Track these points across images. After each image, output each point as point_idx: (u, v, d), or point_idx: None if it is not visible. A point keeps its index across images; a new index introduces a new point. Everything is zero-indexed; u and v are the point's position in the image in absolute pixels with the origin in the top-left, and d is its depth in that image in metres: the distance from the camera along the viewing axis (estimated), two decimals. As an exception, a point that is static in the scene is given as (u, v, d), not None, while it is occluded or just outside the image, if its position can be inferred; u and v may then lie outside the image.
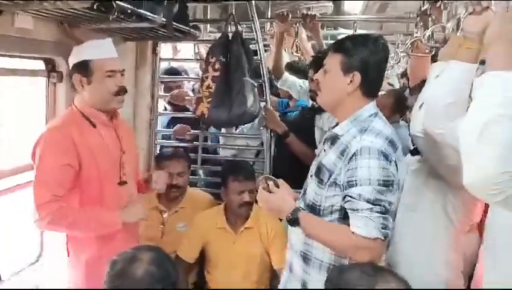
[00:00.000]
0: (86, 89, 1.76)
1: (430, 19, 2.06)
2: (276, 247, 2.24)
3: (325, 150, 1.56)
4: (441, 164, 1.56)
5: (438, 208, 1.63)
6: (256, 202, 1.66)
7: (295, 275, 1.63)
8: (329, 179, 1.47)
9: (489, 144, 0.98)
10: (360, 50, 1.47)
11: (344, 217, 1.44)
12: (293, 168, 2.37)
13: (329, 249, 1.50)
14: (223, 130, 2.92)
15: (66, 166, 1.67)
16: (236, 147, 2.87)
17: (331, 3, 2.91)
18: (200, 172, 2.88)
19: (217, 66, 2.44)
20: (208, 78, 2.45)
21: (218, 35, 2.64)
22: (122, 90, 1.80)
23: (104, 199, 1.79)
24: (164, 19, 1.96)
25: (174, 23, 2.12)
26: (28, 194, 1.69)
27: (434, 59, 1.86)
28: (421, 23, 2.25)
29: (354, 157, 1.40)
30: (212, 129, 2.92)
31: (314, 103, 2.50)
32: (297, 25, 2.92)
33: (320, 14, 2.88)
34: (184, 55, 3.75)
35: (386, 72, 3.40)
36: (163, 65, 3.03)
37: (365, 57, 1.46)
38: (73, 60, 1.79)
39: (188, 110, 2.83)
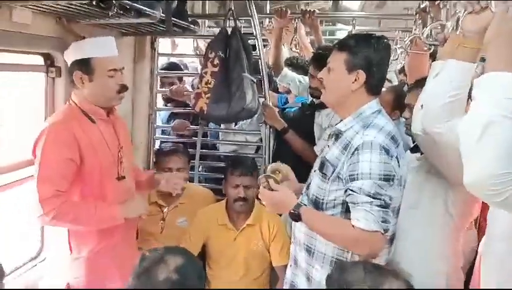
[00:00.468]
0: (86, 86, 1.76)
1: (428, 16, 2.07)
2: (276, 245, 2.25)
3: (329, 146, 1.60)
4: (440, 162, 1.57)
5: (439, 204, 1.64)
6: (259, 199, 1.67)
7: (300, 268, 1.66)
8: (332, 173, 1.50)
9: (489, 144, 0.99)
10: (364, 49, 1.50)
11: (346, 211, 1.48)
12: (292, 164, 2.36)
13: (331, 243, 1.53)
14: (222, 125, 2.92)
15: (68, 161, 1.68)
16: (236, 143, 2.87)
17: (329, 0, 2.91)
18: (199, 168, 2.87)
19: (216, 61, 2.44)
20: (207, 73, 2.45)
21: (217, 30, 2.64)
22: (123, 88, 1.82)
23: (103, 194, 1.80)
24: (163, 14, 1.95)
25: (173, 18, 2.12)
26: (28, 190, 1.69)
27: (433, 57, 1.87)
28: (420, 21, 2.25)
29: (356, 152, 1.43)
30: (211, 125, 2.91)
31: (314, 99, 2.51)
32: (296, 20, 2.92)
33: (318, 10, 2.88)
34: (183, 50, 3.74)
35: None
36: (162, 60, 3.02)
37: (369, 55, 1.50)
38: (73, 56, 1.78)
39: (187, 105, 2.82)
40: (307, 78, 2.68)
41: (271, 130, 2.62)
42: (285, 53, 3.29)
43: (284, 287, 1.78)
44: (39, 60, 2.01)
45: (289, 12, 2.70)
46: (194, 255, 1.36)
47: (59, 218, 1.65)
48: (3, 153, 1.95)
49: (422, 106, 1.52)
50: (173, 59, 3.26)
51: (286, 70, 2.89)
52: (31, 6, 1.63)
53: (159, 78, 2.90)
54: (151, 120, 2.80)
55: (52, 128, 1.69)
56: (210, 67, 2.44)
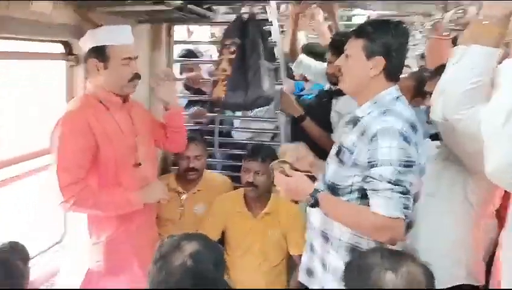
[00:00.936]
0: (101, 74, 1.78)
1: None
2: (294, 234, 2.25)
3: (346, 133, 1.59)
4: (460, 150, 1.54)
5: (458, 193, 1.63)
6: (275, 185, 1.66)
7: (316, 254, 1.67)
8: (349, 159, 1.49)
9: None
10: (382, 35, 1.49)
11: (362, 197, 1.47)
12: (308, 152, 2.37)
13: (347, 228, 1.53)
14: (239, 113, 2.91)
15: (84, 149, 1.72)
16: (252, 130, 2.86)
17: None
18: (217, 155, 2.88)
19: (232, 48, 2.42)
20: (223, 60, 2.43)
21: (233, 16, 2.62)
22: (136, 77, 1.83)
23: (120, 181, 1.83)
24: (180, 1, 1.95)
25: (189, 5, 2.11)
26: (49, 176, 1.72)
27: (454, 43, 1.83)
28: (441, 5, 2.20)
29: (374, 138, 1.42)
30: (228, 112, 2.91)
31: (332, 86, 2.48)
32: (314, 6, 2.87)
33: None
34: (198, 37, 3.73)
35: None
36: (177, 48, 3.01)
37: (388, 41, 1.48)
38: (89, 44, 1.80)
39: (204, 93, 2.82)
40: (324, 64, 2.64)
41: (288, 117, 2.61)
42: (302, 39, 3.25)
43: (300, 273, 1.79)
44: (59, 48, 2.04)
45: (306, -3, 2.66)
46: (211, 241, 1.35)
47: (79, 204, 1.70)
48: (29, 139, 2.00)
49: (441, 92, 1.50)
50: (189, 46, 3.25)
51: (302, 57, 2.85)
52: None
53: (177, 65, 2.89)
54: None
55: (67, 118, 1.73)
56: (226, 54, 2.43)
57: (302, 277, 1.77)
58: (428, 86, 1.83)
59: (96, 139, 1.74)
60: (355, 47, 1.53)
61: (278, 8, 3.22)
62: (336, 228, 1.56)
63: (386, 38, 1.48)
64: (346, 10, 4.11)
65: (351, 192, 1.51)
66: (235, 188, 2.50)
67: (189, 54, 3.09)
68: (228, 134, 3.00)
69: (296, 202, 2.25)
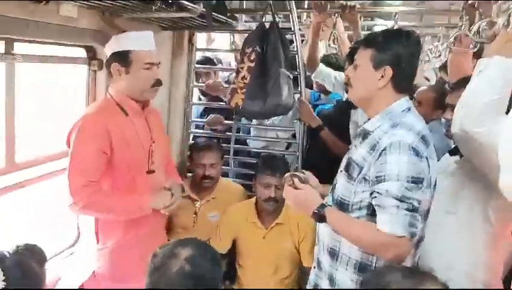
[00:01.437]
0: (123, 78, 1.79)
1: (477, 12, 1.98)
2: (306, 245, 2.23)
3: (355, 146, 1.55)
4: (481, 164, 1.50)
5: (478, 210, 1.58)
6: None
7: (323, 270, 1.63)
8: (358, 174, 1.46)
9: None
10: (391, 45, 1.45)
11: (372, 214, 1.42)
12: (324, 163, 2.33)
13: (356, 246, 1.48)
14: (254, 121, 2.91)
15: (99, 152, 1.72)
16: (267, 139, 2.85)
17: (370, -6, 2.83)
18: (231, 163, 2.88)
19: (252, 56, 2.42)
20: (243, 69, 2.43)
21: (254, 25, 2.62)
22: (158, 83, 1.84)
23: (132, 186, 1.83)
24: (203, 9, 1.96)
25: (213, 13, 2.12)
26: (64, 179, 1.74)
27: (478, 56, 1.79)
28: (467, 17, 2.16)
29: (383, 152, 1.38)
30: (243, 120, 2.91)
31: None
32: (335, 15, 2.86)
33: (359, 4, 2.81)
34: (218, 44, 3.75)
35: (423, 65, 3.32)
36: (198, 55, 3.03)
37: (397, 51, 1.44)
38: (112, 48, 1.81)
39: (222, 100, 2.83)
40: (342, 75, 2.62)
41: (305, 127, 2.59)
42: (322, 49, 3.24)
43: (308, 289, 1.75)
44: (82, 53, 2.07)
45: (328, 6, 2.65)
46: (205, 244, 1.36)
47: (89, 207, 1.70)
48: (47, 142, 2.02)
49: (463, 104, 1.47)
50: (208, 54, 3.27)
51: (321, 67, 2.84)
52: (77, 1, 1.66)
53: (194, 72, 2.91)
54: (186, 114, 2.82)
55: (85, 120, 1.74)
56: (247, 62, 2.43)
57: (309, 294, 1.73)
58: (450, 98, 1.80)
59: (112, 144, 1.75)
60: (363, 57, 1.50)
61: (300, 17, 3.23)
62: (344, 245, 1.52)
63: (396, 48, 1.45)
64: (367, 20, 4.09)
65: (360, 208, 1.47)
66: (249, 196, 2.49)
67: (207, 61, 3.10)
68: (244, 142, 3.00)
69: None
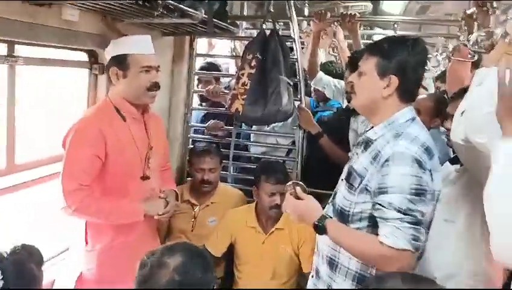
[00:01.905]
0: (120, 82, 1.80)
1: (475, 23, 2.01)
2: (305, 251, 2.22)
3: (357, 154, 1.52)
4: (483, 174, 1.51)
5: (478, 219, 1.58)
6: None
7: (321, 280, 1.60)
8: (359, 184, 1.42)
9: None
10: (397, 53, 1.41)
11: (374, 225, 1.39)
12: (323, 170, 2.35)
13: (357, 258, 1.46)
14: (255, 127, 2.92)
15: (93, 156, 1.72)
16: (267, 145, 2.86)
17: (370, 3, 2.86)
18: (231, 168, 2.88)
19: (253, 63, 2.44)
20: (243, 75, 2.45)
21: (255, 32, 2.64)
22: (154, 86, 1.82)
23: (125, 192, 1.82)
24: (205, 15, 1.98)
25: (214, 19, 2.14)
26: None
27: (476, 66, 1.81)
28: (466, 27, 2.19)
29: (386, 163, 1.35)
30: (243, 126, 2.92)
31: (350, 104, 2.47)
32: (335, 24, 2.88)
33: (359, 13, 2.84)
34: (218, 50, 3.77)
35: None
36: (198, 60, 3.05)
37: (403, 60, 1.40)
38: (111, 52, 1.83)
39: (222, 106, 2.84)
40: (342, 83, 2.64)
41: (304, 134, 2.60)
42: (321, 57, 3.26)
43: None
44: (83, 57, 2.08)
45: (328, 15, 2.68)
46: (195, 248, 1.30)
47: (81, 211, 1.70)
48: (47, 145, 2.03)
49: (462, 113, 1.48)
50: (209, 59, 3.29)
51: (321, 74, 2.86)
52: (79, 4, 1.68)
53: (196, 77, 2.93)
54: (186, 119, 2.84)
55: (82, 124, 1.74)
56: (247, 68, 2.45)
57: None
58: (450, 108, 1.81)
59: (107, 148, 1.74)
60: (368, 64, 1.45)
61: (300, 25, 3.25)
62: (343, 255, 1.48)
63: (402, 56, 1.40)
64: (366, 29, 4.12)
65: (360, 219, 1.43)
66: (248, 202, 2.49)
67: (211, 66, 3.12)
68: (244, 148, 3.01)
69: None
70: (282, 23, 2.80)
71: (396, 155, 1.33)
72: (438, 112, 2.27)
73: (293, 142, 2.77)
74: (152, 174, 1.90)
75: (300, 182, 1.61)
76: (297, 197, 1.53)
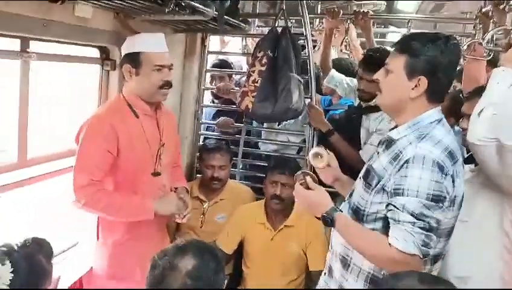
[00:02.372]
0: (133, 80, 1.81)
1: (491, 21, 1.97)
2: (313, 249, 2.23)
3: (378, 153, 1.48)
4: (503, 175, 1.48)
5: (492, 220, 1.56)
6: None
7: (334, 279, 1.58)
8: (377, 184, 1.38)
9: None
10: (428, 52, 1.33)
11: (388, 227, 1.34)
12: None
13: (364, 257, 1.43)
14: (266, 124, 2.92)
15: (105, 152, 1.73)
16: (278, 143, 2.86)
17: (384, 2, 2.82)
18: (240, 165, 2.89)
19: (264, 60, 2.43)
20: (254, 72, 2.44)
21: (266, 29, 2.64)
22: (166, 85, 1.83)
23: (136, 188, 1.83)
24: (216, 12, 1.98)
25: (225, 16, 2.14)
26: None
27: (493, 64, 1.77)
28: (480, 25, 2.15)
29: (405, 164, 1.30)
30: (254, 123, 2.92)
31: (362, 102, 2.45)
32: (348, 22, 2.86)
33: (372, 11, 2.81)
34: (230, 48, 3.77)
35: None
36: (210, 58, 3.06)
37: (434, 60, 1.32)
38: (125, 50, 1.84)
39: (233, 103, 2.85)
40: (354, 80, 2.62)
41: (315, 131, 2.59)
42: (333, 55, 3.24)
43: None
44: (95, 53, 2.10)
45: (341, 13, 2.65)
46: (206, 247, 1.28)
47: (91, 205, 1.70)
48: (60, 140, 2.06)
49: (479, 113, 1.45)
50: (221, 57, 3.29)
51: (333, 72, 2.84)
52: (92, 1, 1.69)
53: (208, 74, 2.94)
54: (197, 116, 2.85)
55: (94, 120, 1.76)
56: (258, 66, 2.44)
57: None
58: (466, 107, 1.77)
59: (119, 144, 1.76)
60: (396, 63, 1.37)
61: (312, 22, 3.23)
62: (356, 255, 1.44)
63: (433, 56, 1.32)
64: (380, 27, 4.08)
65: (375, 220, 1.39)
66: (257, 199, 2.49)
67: (223, 63, 3.12)
68: (255, 145, 3.01)
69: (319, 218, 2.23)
70: (294, 21, 2.78)
71: (418, 157, 1.29)
72: (453, 111, 2.22)
73: (304, 141, 2.77)
74: (163, 170, 1.91)
75: (311, 172, 1.58)
76: (308, 188, 1.50)
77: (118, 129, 1.75)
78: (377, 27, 3.95)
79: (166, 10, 1.66)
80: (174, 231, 2.49)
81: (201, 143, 2.85)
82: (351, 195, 1.55)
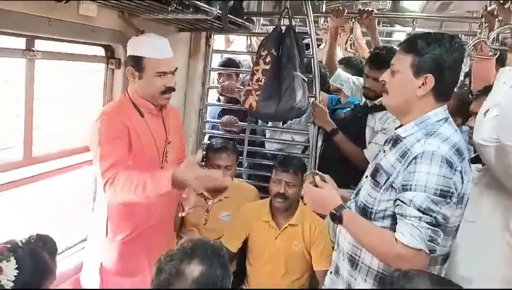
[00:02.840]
0: (136, 82, 1.82)
1: (496, 20, 1.95)
2: (317, 248, 2.22)
3: (384, 151, 1.49)
4: (507, 175, 1.47)
5: (498, 220, 1.55)
6: (302, 198, 1.63)
7: (341, 278, 1.58)
8: (385, 181, 1.39)
9: None
10: (434, 51, 1.35)
11: (396, 224, 1.35)
12: (338, 167, 2.32)
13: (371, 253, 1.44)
14: (270, 123, 2.92)
15: (121, 139, 1.74)
16: (282, 142, 2.86)
17: (389, 1, 2.81)
18: (245, 164, 2.89)
19: (268, 59, 2.43)
20: (258, 71, 2.44)
21: (271, 28, 2.63)
22: (169, 90, 1.84)
23: None
24: (220, 11, 1.98)
25: (229, 15, 2.14)
26: (83, 173, 1.77)
27: (502, 63, 1.76)
28: (486, 24, 2.13)
29: (414, 160, 1.31)
30: (259, 122, 2.92)
31: (368, 101, 2.45)
32: (353, 20, 2.85)
33: (377, 10, 2.80)
34: (236, 47, 3.78)
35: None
36: (215, 57, 3.06)
37: (440, 58, 1.34)
38: (129, 51, 1.84)
39: (238, 102, 2.85)
40: (361, 79, 2.61)
41: (319, 130, 2.58)
42: (339, 54, 3.23)
43: None
44: (100, 52, 2.11)
45: (346, 11, 2.65)
46: (213, 248, 1.26)
47: (116, 184, 1.65)
48: (63, 139, 2.08)
49: (485, 113, 1.44)
50: (227, 55, 3.30)
51: (339, 71, 2.83)
52: (97, 0, 1.70)
53: (213, 73, 2.94)
54: (201, 115, 2.86)
55: (105, 116, 1.77)
56: (262, 64, 2.44)
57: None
58: (474, 106, 1.76)
59: (130, 140, 1.78)
60: (402, 63, 1.39)
61: (317, 21, 3.23)
62: (365, 254, 1.45)
63: (438, 55, 1.34)
64: (385, 26, 4.06)
65: (383, 217, 1.40)
66: (262, 198, 2.50)
67: (230, 62, 3.12)
68: (261, 144, 3.01)
69: (323, 217, 2.23)
70: (298, 20, 2.77)
71: (426, 154, 1.30)
72: (460, 110, 2.21)
73: (309, 140, 2.76)
74: (169, 167, 1.91)
75: (320, 172, 1.60)
76: (316, 187, 1.52)
77: (128, 126, 1.77)
78: (382, 26, 3.93)
79: (170, 9, 1.67)
80: (179, 228, 2.50)
81: (205, 142, 2.86)
82: (356, 194, 1.56)
